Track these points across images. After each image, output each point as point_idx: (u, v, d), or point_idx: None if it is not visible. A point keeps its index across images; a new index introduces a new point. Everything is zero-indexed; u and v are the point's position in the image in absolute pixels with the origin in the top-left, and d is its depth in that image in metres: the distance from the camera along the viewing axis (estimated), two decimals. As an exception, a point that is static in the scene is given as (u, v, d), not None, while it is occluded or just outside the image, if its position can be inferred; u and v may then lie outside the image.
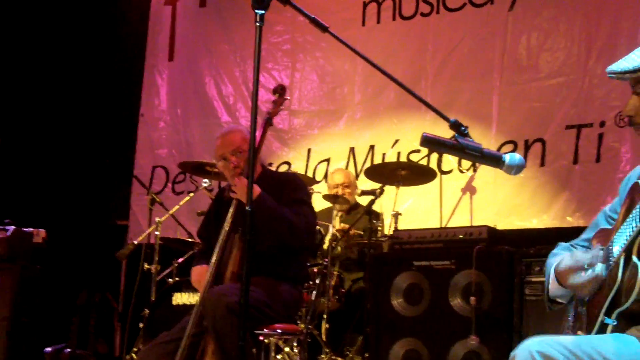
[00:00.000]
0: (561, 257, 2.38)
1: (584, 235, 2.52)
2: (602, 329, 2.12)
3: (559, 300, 2.43)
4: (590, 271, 2.19)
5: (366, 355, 4.88)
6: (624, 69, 2.22)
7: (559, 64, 6.03)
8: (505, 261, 4.41)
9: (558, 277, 2.33)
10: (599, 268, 2.18)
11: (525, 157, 5.82)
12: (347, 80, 7.06)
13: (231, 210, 3.83)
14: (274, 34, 7.35)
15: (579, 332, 2.25)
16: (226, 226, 3.81)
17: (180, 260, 5.82)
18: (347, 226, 5.59)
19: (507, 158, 2.26)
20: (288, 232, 3.84)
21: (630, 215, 2.12)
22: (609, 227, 2.36)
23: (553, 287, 2.38)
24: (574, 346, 1.96)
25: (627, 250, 2.09)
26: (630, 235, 2.08)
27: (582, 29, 5.97)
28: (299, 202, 4.01)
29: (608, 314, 2.11)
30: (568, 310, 2.43)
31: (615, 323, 2.08)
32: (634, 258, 2.05)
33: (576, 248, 2.48)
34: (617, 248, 2.15)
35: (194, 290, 5.21)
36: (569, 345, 1.96)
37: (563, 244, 2.54)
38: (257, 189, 3.74)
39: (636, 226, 2.06)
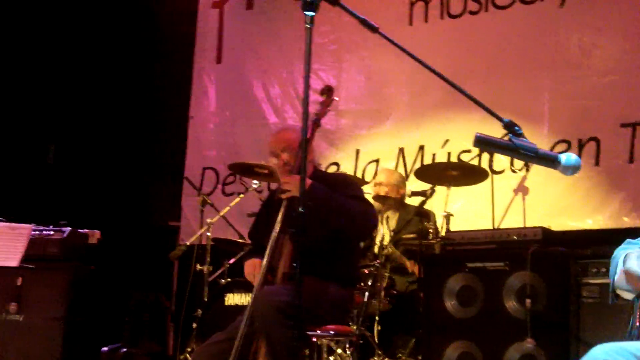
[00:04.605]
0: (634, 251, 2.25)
1: None
2: None
3: (623, 296, 2.35)
4: None
5: (419, 357, 4.85)
6: None
7: (612, 61, 5.92)
8: (560, 262, 4.33)
9: (628, 275, 2.22)
10: None
11: (579, 156, 5.70)
12: (394, 80, 6.99)
13: (281, 211, 3.84)
14: (320, 35, 7.30)
15: None
16: (276, 228, 3.82)
17: (231, 260, 5.87)
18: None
19: (563, 158, 2.22)
20: (346, 219, 3.86)
21: None
22: None
23: (619, 278, 2.29)
24: None
25: None
26: None
27: (635, 25, 5.85)
28: (353, 198, 4.00)
29: None
30: (634, 311, 2.34)
31: None
32: None
33: None
34: None
35: (246, 290, 5.26)
36: (638, 352, 1.89)
37: (631, 241, 2.44)
38: (308, 181, 3.75)
39: None
